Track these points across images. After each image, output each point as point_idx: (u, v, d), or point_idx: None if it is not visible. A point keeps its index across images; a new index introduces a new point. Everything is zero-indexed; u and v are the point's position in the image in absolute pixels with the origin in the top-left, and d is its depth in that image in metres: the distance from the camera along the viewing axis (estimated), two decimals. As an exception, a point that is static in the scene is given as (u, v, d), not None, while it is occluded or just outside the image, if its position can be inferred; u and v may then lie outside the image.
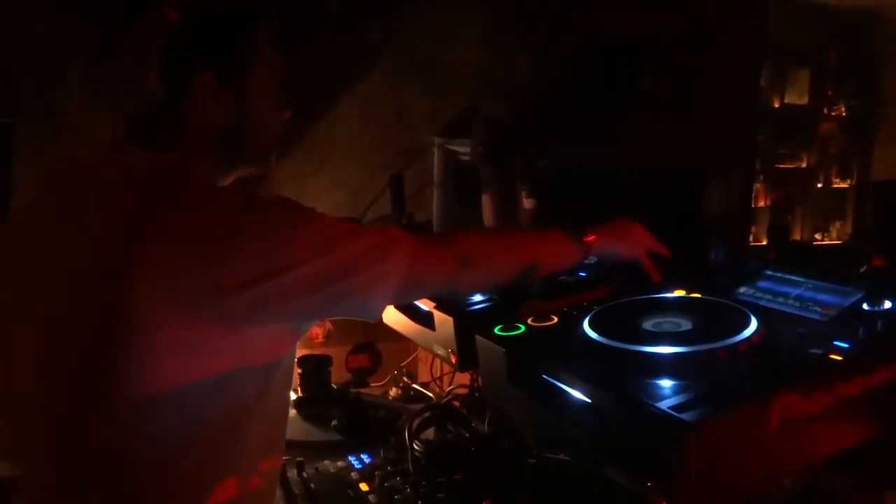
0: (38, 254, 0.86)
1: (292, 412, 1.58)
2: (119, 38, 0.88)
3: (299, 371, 1.64)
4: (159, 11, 0.86)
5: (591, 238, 1.10)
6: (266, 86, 0.93)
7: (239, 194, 0.86)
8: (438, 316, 1.25)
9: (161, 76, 0.86)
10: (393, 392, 1.77)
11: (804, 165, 4.43)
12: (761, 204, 4.27)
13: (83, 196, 0.87)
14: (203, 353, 0.78)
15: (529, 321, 1.04)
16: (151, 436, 0.79)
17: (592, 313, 0.97)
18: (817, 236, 4.49)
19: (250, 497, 0.90)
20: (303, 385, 1.64)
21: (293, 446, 1.41)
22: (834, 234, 4.49)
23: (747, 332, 0.84)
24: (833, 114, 4.45)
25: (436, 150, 2.13)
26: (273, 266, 0.78)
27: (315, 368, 1.64)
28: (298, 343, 1.92)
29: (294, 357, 0.98)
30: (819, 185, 4.49)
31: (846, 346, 0.82)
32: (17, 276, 0.88)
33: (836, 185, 4.52)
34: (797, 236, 4.49)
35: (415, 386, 1.79)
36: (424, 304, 1.31)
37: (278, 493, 1.22)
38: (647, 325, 0.92)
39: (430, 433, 1.41)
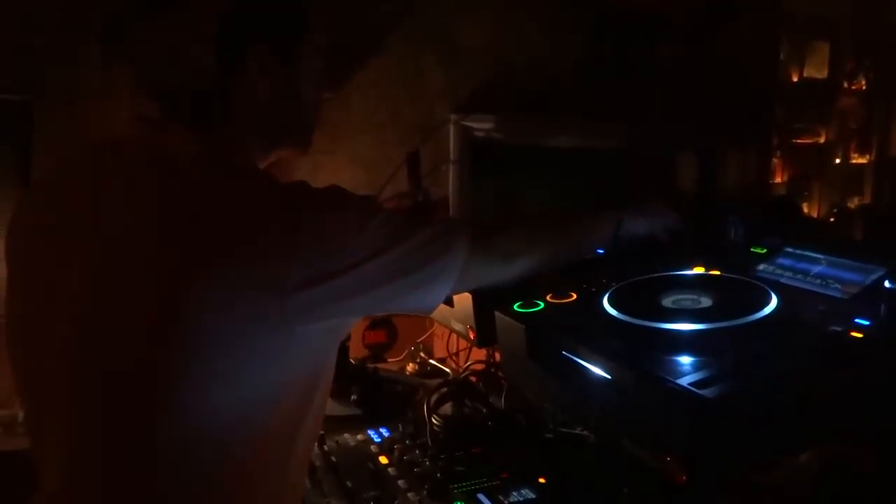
0: (65, 239, 0.81)
1: (311, 387, 1.61)
2: (165, 8, 0.80)
3: (318, 346, 1.67)
4: None
5: (622, 218, 1.10)
6: (313, 63, 0.90)
7: (293, 186, 0.81)
8: (457, 293, 1.26)
9: (214, 48, 0.80)
10: (410, 367, 1.80)
11: (822, 141, 4.37)
12: (777, 179, 4.23)
13: (116, 181, 0.81)
14: (260, 353, 0.75)
15: (548, 298, 1.05)
16: (204, 436, 0.76)
17: (611, 290, 0.97)
18: (835, 212, 4.44)
19: (290, 486, 0.88)
20: (321, 360, 1.66)
21: (313, 420, 1.44)
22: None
23: (767, 310, 0.84)
24: (853, 88, 4.37)
25: (452, 127, 2.13)
26: (333, 265, 0.76)
27: (333, 344, 1.66)
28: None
29: (336, 352, 0.94)
30: (837, 161, 4.43)
31: (867, 323, 0.82)
32: (38, 264, 0.83)
33: (854, 161, 4.46)
34: (814, 213, 4.45)
35: (431, 361, 1.81)
36: (442, 281, 1.32)
37: (300, 465, 1.25)
38: (667, 301, 0.93)
39: (447, 408, 1.43)
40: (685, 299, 0.92)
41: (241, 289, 0.72)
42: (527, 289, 1.11)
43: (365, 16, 2.07)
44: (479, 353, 1.63)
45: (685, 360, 0.80)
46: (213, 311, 0.72)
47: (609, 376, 0.84)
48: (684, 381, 0.74)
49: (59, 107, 1.74)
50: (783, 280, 1.00)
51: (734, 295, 0.91)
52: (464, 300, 1.24)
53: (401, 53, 2.13)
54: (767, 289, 0.89)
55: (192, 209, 0.75)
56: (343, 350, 1.68)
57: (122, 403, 0.76)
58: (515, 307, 1.04)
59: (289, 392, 0.81)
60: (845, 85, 4.33)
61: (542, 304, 1.03)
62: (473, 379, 1.55)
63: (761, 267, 1.05)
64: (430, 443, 1.27)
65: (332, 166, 2.03)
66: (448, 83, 2.17)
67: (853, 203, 4.50)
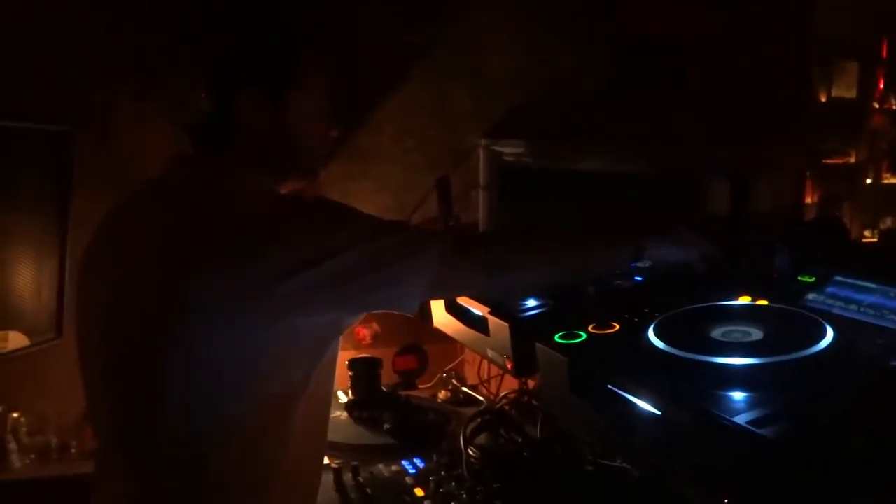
0: (111, 254, 0.94)
1: (343, 414, 1.60)
2: (176, 58, 0.95)
3: (350, 373, 1.65)
4: (211, 33, 0.94)
5: (642, 242, 1.08)
6: (309, 104, 0.98)
7: (281, 195, 0.96)
8: (493, 321, 1.24)
9: (210, 93, 0.93)
10: (441, 395, 1.77)
11: (852, 161, 4.31)
12: (807, 200, 4.16)
13: (153, 204, 0.94)
14: (251, 344, 0.84)
15: (590, 328, 1.03)
16: (202, 417, 0.86)
17: (656, 321, 0.95)
18: (866, 233, 4.36)
19: (298, 478, 0.96)
20: (353, 388, 1.65)
21: (347, 449, 1.42)
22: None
23: (824, 343, 0.82)
24: (883, 107, 4.31)
25: (481, 152, 2.12)
26: (312, 255, 0.84)
27: (365, 371, 1.65)
28: (347, 345, 1.95)
29: (337, 351, 1.02)
30: (868, 181, 4.36)
31: (929, 357, 0.79)
32: (90, 280, 0.96)
33: (886, 181, 4.39)
34: (844, 233, 4.36)
35: (464, 389, 1.78)
36: (478, 309, 1.30)
37: (335, 496, 1.23)
38: (716, 333, 0.90)
39: (481, 438, 1.41)
40: (735, 331, 0.89)
41: (231, 281, 0.82)
42: (565, 317, 1.09)
43: (388, 47, 2.08)
44: (512, 381, 1.61)
45: (738, 395, 0.78)
46: (208, 300, 0.82)
47: (658, 412, 0.82)
48: (741, 419, 0.72)
49: (97, 138, 1.77)
50: (835, 311, 0.97)
51: (787, 327, 0.88)
52: (501, 329, 1.22)
53: (429, 80, 2.13)
54: (821, 321, 0.86)
55: (193, 218, 0.88)
56: (375, 377, 1.67)
57: (132, 384, 0.88)
58: (556, 338, 1.02)
59: (279, 380, 0.88)
60: (875, 105, 4.27)
61: (584, 336, 1.01)
62: (507, 408, 1.53)
63: (811, 297, 1.02)
64: (466, 474, 1.25)
65: (362, 192, 2.03)
66: (477, 109, 2.17)
67: (885, 224, 4.42)
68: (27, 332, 1.59)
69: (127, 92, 1.76)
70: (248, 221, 0.85)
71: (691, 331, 0.91)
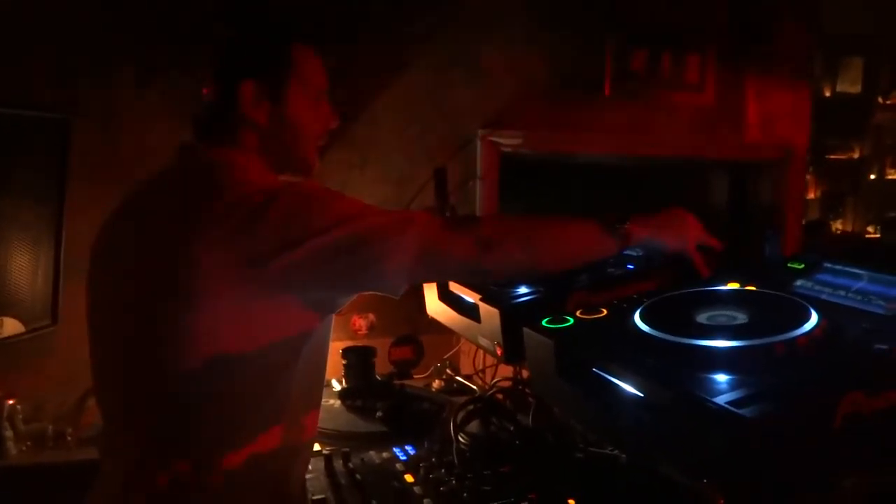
0: (128, 235, 0.99)
1: (336, 403, 1.60)
2: (176, 53, 0.99)
3: (344, 362, 1.66)
4: (216, 29, 1.01)
5: (630, 227, 1.06)
6: (308, 96, 1.03)
7: (273, 181, 0.99)
8: (484, 308, 1.24)
9: (211, 86, 1.00)
10: (436, 384, 1.78)
11: (856, 156, 4.29)
12: (810, 196, 4.15)
13: (163, 191, 0.99)
14: (245, 319, 0.88)
15: (578, 314, 1.03)
16: (195, 388, 0.90)
17: (643, 306, 0.95)
18: (870, 229, 4.35)
19: (289, 447, 0.99)
20: (347, 376, 1.65)
21: (338, 436, 1.42)
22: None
23: (808, 326, 0.81)
24: (888, 103, 4.29)
25: (479, 143, 2.12)
26: (300, 234, 0.87)
27: (359, 360, 1.65)
28: (343, 336, 1.95)
29: (329, 329, 1.04)
30: (872, 177, 4.34)
31: (914, 341, 0.79)
32: (104, 258, 1.01)
33: (890, 177, 4.37)
34: (847, 229, 4.36)
35: (458, 378, 1.79)
36: (470, 296, 1.30)
37: (325, 482, 1.24)
38: (701, 318, 0.90)
39: (474, 426, 1.41)
40: (720, 315, 0.89)
41: (229, 260, 0.86)
42: (556, 304, 1.09)
43: (396, 37, 2.08)
44: (506, 370, 1.61)
45: (721, 378, 0.77)
46: (209, 275, 0.86)
47: (642, 394, 0.82)
48: (721, 399, 0.71)
49: (95, 126, 1.78)
50: (823, 296, 0.96)
51: (772, 311, 0.88)
52: (491, 316, 1.22)
53: (429, 72, 2.14)
54: (807, 305, 0.86)
55: (198, 203, 0.91)
56: (369, 366, 1.67)
57: (140, 349, 0.93)
58: (544, 323, 1.02)
59: (268, 352, 0.92)
60: (880, 100, 4.25)
61: (571, 320, 1.01)
62: (500, 396, 1.53)
63: (799, 283, 1.02)
64: (456, 461, 1.25)
65: (361, 182, 2.04)
66: (476, 100, 2.17)
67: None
68: (22, 319, 1.60)
69: (127, 84, 1.78)
70: (244, 204, 0.89)
71: (677, 315, 0.91)
